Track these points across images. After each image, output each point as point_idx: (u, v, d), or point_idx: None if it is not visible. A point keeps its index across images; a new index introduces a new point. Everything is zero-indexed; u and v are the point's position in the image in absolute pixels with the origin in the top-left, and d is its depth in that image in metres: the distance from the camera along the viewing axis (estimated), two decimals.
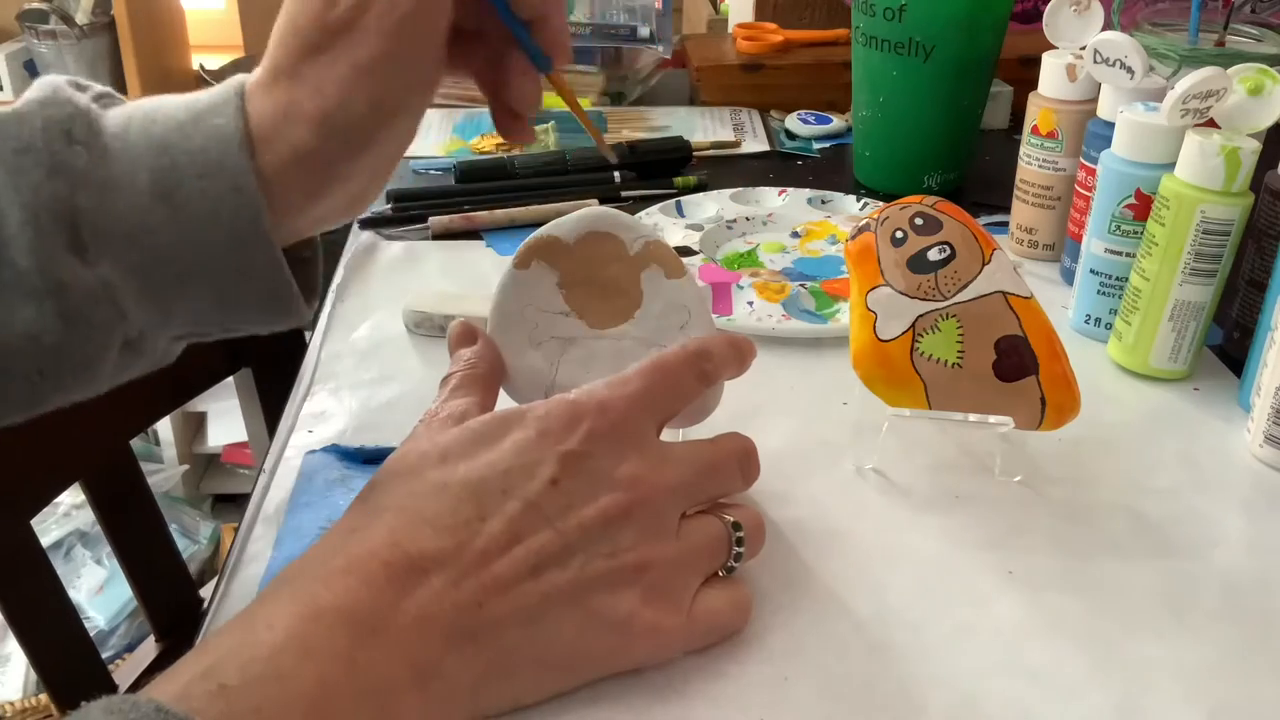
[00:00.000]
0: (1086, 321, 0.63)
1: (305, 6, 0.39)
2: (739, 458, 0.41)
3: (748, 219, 0.77)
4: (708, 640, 0.40)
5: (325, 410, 0.56)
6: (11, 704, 1.42)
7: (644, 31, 1.02)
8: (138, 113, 0.39)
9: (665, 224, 0.75)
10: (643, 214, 0.76)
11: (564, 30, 0.43)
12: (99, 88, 0.41)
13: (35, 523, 0.72)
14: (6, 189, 0.36)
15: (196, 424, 1.96)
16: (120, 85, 1.81)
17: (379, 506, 0.36)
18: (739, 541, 0.40)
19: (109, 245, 0.37)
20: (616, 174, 0.85)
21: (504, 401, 0.43)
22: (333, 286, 0.70)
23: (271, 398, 0.93)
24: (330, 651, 0.32)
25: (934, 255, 0.48)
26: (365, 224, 0.77)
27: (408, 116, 0.41)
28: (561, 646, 0.36)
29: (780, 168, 0.91)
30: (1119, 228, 0.59)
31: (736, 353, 0.43)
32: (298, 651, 0.31)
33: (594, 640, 0.37)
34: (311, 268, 0.44)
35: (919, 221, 0.49)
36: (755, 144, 0.95)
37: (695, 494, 0.40)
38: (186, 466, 1.88)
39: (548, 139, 0.92)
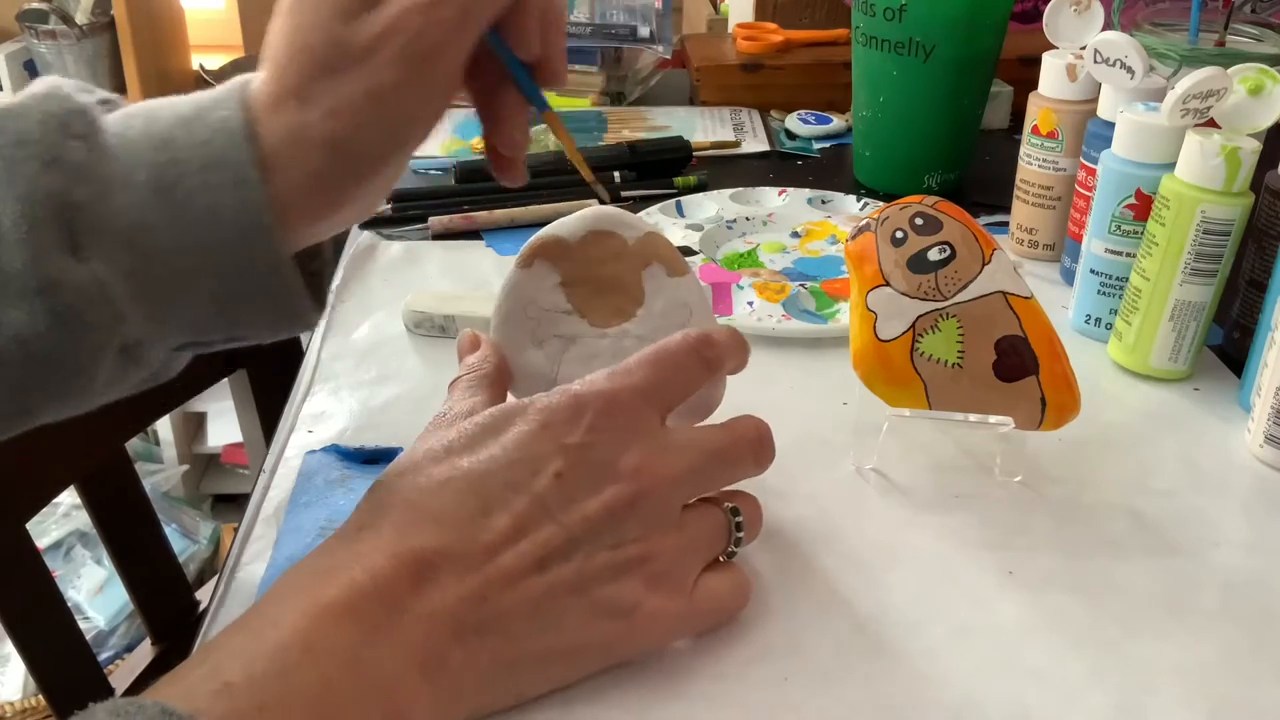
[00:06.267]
0: (1086, 321, 0.63)
1: (317, 24, 0.37)
2: (752, 442, 0.41)
3: (748, 219, 0.77)
4: (710, 623, 0.40)
5: (325, 410, 0.56)
6: (11, 704, 1.42)
7: (644, 31, 1.03)
8: (139, 112, 0.38)
9: (665, 224, 0.75)
10: (643, 214, 0.76)
11: (563, 64, 0.42)
12: (104, 93, 0.40)
13: (35, 522, 0.72)
14: (1, 184, 0.35)
15: (196, 424, 1.96)
16: (120, 85, 1.81)
17: (385, 504, 0.36)
18: (738, 527, 0.40)
19: (105, 243, 0.36)
20: (616, 174, 0.85)
21: None
22: (333, 287, 0.70)
23: (268, 399, 0.93)
24: (334, 648, 0.32)
25: (934, 255, 0.48)
26: (365, 224, 0.77)
27: (419, 139, 0.40)
28: (567, 637, 0.36)
29: (780, 168, 0.91)
30: (1119, 228, 0.59)
31: (739, 342, 0.43)
32: (301, 648, 0.31)
33: (598, 629, 0.37)
34: (319, 280, 0.43)
35: (919, 221, 0.49)
36: (755, 144, 0.95)
37: (702, 482, 0.40)
38: (186, 466, 1.88)
39: (547, 139, 0.92)
